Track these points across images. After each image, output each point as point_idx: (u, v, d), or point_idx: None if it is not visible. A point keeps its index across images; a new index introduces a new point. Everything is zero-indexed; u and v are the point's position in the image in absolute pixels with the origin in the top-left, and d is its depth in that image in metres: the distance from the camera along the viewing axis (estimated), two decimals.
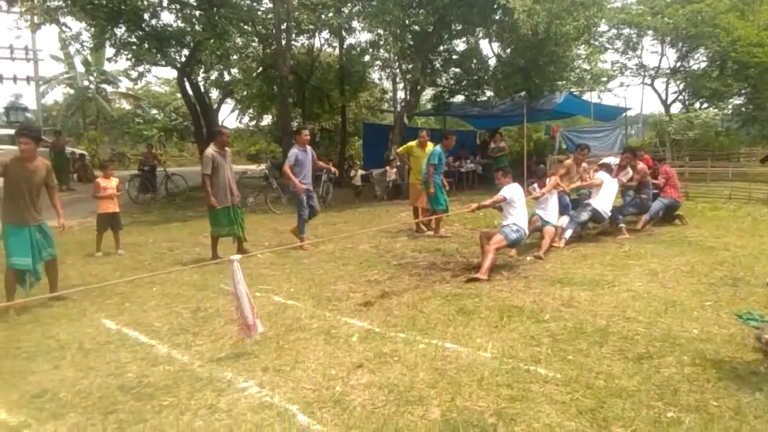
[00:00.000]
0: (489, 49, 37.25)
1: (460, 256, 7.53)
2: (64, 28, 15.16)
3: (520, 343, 4.23)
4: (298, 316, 5.06)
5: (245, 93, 21.34)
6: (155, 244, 9.04)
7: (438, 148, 9.06)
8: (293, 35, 17.38)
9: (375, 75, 21.61)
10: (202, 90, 18.57)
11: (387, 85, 23.77)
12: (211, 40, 13.86)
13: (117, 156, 26.10)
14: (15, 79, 26.27)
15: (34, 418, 3.33)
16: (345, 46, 20.03)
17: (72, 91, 34.60)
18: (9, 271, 5.47)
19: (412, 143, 9.79)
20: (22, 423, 3.27)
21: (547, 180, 7.97)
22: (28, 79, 26.55)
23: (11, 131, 24.43)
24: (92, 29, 14.80)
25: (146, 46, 14.89)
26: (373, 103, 25.74)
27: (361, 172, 16.34)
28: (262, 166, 17.64)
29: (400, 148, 9.86)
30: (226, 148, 7.74)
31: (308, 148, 8.55)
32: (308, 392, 3.55)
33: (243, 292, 4.04)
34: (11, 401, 3.55)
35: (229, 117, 47.86)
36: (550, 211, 7.74)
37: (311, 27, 17.18)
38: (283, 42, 15.88)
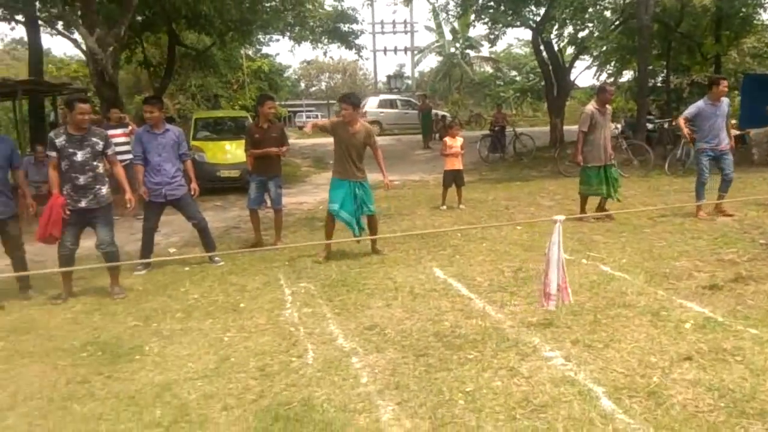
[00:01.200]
0: None
1: None
2: None
3: None
4: (624, 290, 4.58)
5: (604, 48, 20.13)
6: (494, 201, 9.35)
7: None
8: None
9: (764, 15, 17.90)
10: (556, 48, 18.20)
11: None
12: None
13: (474, 117, 27.81)
14: (395, 50, 30.14)
15: (362, 347, 3.79)
16: None
17: (440, 58, 38.03)
18: (329, 215, 6.26)
19: None
20: (352, 350, 3.76)
21: None
22: (405, 50, 30.15)
23: (393, 96, 28.33)
24: None
25: (502, 8, 15.25)
26: (761, 49, 21.42)
27: (734, 132, 13.86)
28: (613, 126, 16.52)
29: None
30: (608, 106, 7.68)
31: (724, 100, 7.47)
32: (619, 376, 3.18)
33: (555, 257, 3.78)
34: (348, 329, 4.12)
35: (582, 75, 46.19)
36: None
37: None
38: None
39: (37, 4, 12.54)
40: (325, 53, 23.68)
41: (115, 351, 3.94)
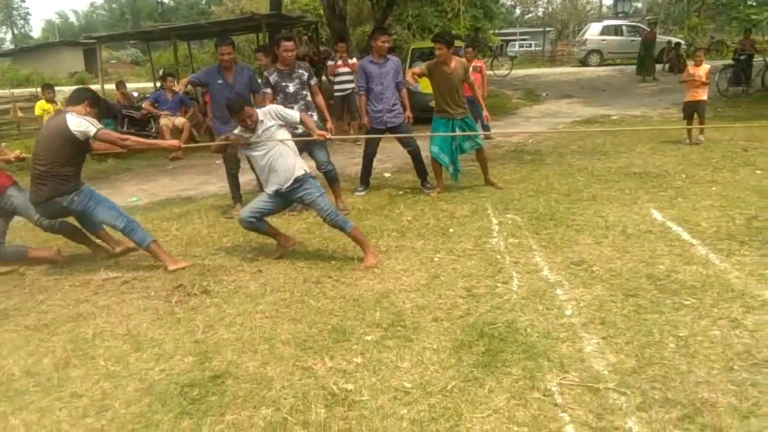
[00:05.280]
0: None
1: None
2: None
3: None
4: None
5: None
6: (730, 142, 8.31)
7: None
8: None
9: None
10: None
11: None
12: None
13: (715, 45, 24.30)
14: None
15: (568, 281, 3.81)
16: None
17: None
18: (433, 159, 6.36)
19: None
20: (558, 282, 3.80)
21: None
22: None
23: (618, 22, 25.96)
24: None
25: None
26: None
27: None
28: None
29: None
30: None
31: None
32: None
33: None
34: (554, 262, 4.15)
35: None
36: None
37: None
38: None
39: None
40: None
41: (341, 258, 4.48)
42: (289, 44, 5.69)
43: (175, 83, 10.56)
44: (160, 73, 13.87)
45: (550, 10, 50.74)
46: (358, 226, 5.19)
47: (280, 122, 4.50)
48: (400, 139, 6.54)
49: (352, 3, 23.63)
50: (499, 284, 3.85)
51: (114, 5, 53.99)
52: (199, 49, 27.82)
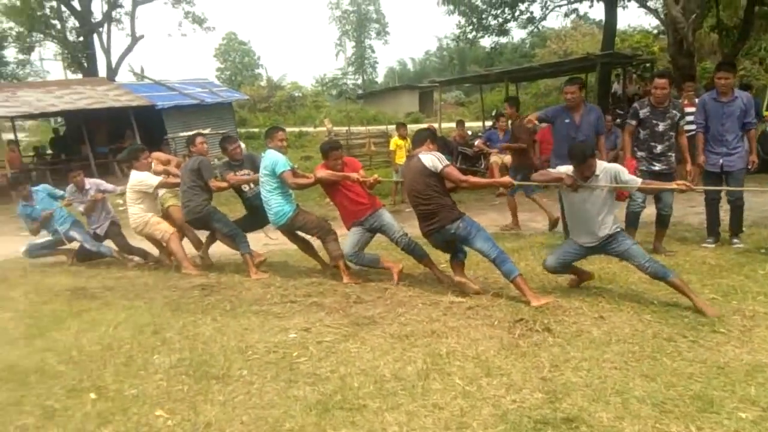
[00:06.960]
0: None
1: None
2: None
3: None
4: None
5: None
6: None
7: None
8: None
9: None
10: None
11: None
12: None
13: None
14: None
15: None
16: None
17: None
18: None
19: None
20: None
21: None
22: None
23: None
24: None
25: None
26: None
27: None
28: None
29: None
30: None
31: None
32: None
33: None
34: None
35: None
36: None
37: None
38: None
39: None
40: None
41: (694, 316, 4.04)
42: (662, 81, 5.52)
43: (508, 123, 11.04)
44: (493, 113, 14.70)
45: None
46: (710, 283, 4.72)
47: (613, 183, 4.37)
48: (729, 183, 5.78)
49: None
50: None
51: (444, 52, 59.42)
52: (521, 91, 28.71)
